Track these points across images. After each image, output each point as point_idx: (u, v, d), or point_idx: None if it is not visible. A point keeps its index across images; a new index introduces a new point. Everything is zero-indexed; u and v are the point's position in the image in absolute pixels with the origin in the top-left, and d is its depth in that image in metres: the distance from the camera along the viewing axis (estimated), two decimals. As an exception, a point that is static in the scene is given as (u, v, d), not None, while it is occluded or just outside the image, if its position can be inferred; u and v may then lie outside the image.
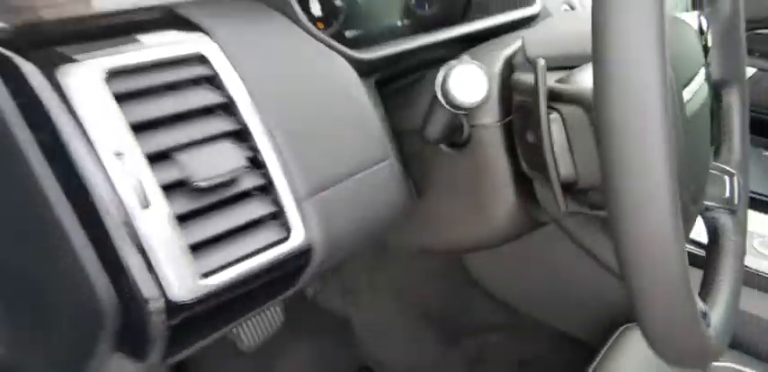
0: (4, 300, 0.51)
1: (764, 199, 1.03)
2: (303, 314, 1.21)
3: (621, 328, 0.84)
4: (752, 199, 1.03)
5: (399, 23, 0.70)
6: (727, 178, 0.61)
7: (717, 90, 0.64)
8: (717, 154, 0.65)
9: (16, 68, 0.32)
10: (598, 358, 0.80)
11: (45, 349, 0.48)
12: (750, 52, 1.78)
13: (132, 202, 0.33)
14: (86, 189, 0.32)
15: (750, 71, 1.77)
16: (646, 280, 0.37)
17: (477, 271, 1.16)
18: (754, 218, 0.98)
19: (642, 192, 0.32)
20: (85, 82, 0.33)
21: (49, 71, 0.32)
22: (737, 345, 0.84)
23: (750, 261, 0.87)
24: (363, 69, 0.49)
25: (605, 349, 0.82)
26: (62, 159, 0.33)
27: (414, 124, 0.54)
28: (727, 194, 0.60)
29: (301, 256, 0.41)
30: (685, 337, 0.42)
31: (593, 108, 0.33)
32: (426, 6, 0.73)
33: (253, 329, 1.06)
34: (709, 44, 0.61)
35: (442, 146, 0.53)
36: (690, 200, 0.47)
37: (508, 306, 1.13)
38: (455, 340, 1.19)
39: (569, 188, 0.43)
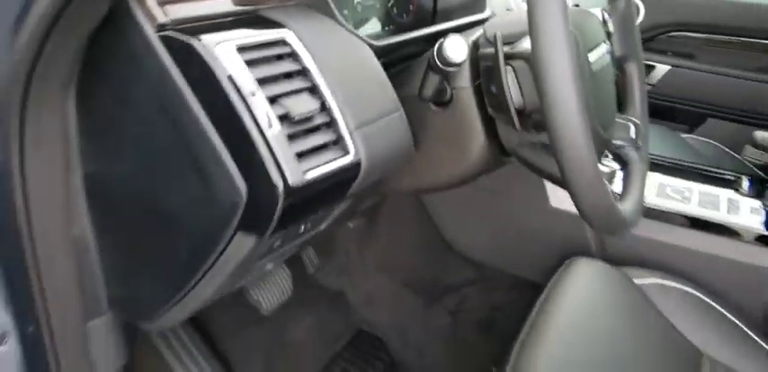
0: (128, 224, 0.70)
1: (680, 165, 1.28)
2: (306, 290, 1.41)
3: (566, 262, 1.06)
4: (670, 165, 1.28)
5: (386, 28, 0.93)
6: (632, 125, 0.85)
7: (620, 64, 0.88)
8: (625, 110, 0.89)
9: (187, 45, 0.54)
10: (546, 289, 1.01)
11: (170, 249, 0.68)
12: (664, 52, 2.08)
13: (264, 122, 0.54)
14: (235, 115, 0.53)
15: (665, 68, 2.07)
16: (574, 175, 0.60)
17: (451, 237, 1.38)
18: (669, 178, 1.23)
19: (561, 110, 0.55)
20: (229, 52, 0.54)
21: (207, 46, 0.54)
22: (659, 265, 1.08)
23: (663, 202, 1.12)
24: (375, 54, 0.72)
25: (552, 280, 1.03)
26: (215, 99, 0.54)
27: (410, 92, 0.76)
28: (633, 136, 0.84)
29: (354, 168, 0.62)
30: (605, 213, 0.65)
31: (532, 61, 0.56)
32: (404, 16, 0.96)
33: (270, 297, 1.26)
34: (611, 31, 0.86)
35: (431, 106, 0.76)
36: (601, 127, 0.71)
37: (479, 264, 1.36)
38: (436, 297, 1.41)
39: (521, 113, 0.66)
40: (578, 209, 0.64)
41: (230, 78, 0.53)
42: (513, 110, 0.65)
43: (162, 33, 0.55)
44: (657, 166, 1.26)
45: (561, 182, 0.65)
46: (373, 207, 1.43)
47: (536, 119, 0.67)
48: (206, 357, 1.22)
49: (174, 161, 0.60)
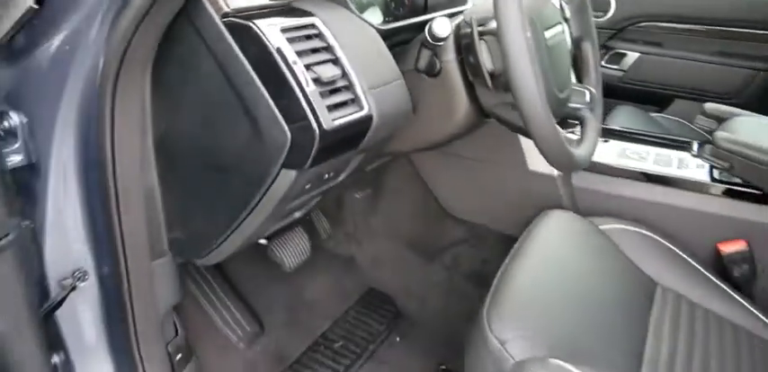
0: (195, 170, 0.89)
1: (641, 134, 1.48)
2: (320, 257, 1.61)
3: (541, 213, 1.26)
4: (632, 136, 1.48)
5: (386, 20, 1.13)
6: (587, 91, 1.05)
7: (577, 43, 1.09)
8: (582, 80, 1.09)
9: (248, 27, 0.73)
10: (522, 235, 1.19)
11: (224, 186, 0.87)
12: (634, 41, 2.29)
13: (303, 83, 0.74)
14: (283, 77, 0.73)
15: (635, 55, 2.28)
16: (532, 124, 0.80)
17: (446, 202, 1.58)
18: (631, 144, 1.44)
19: (519, 70, 0.75)
20: (276, 32, 0.74)
21: (262, 28, 0.74)
22: (621, 214, 1.28)
23: (623, 162, 1.32)
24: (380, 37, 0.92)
25: (528, 227, 1.22)
26: (267, 66, 0.73)
27: (407, 68, 0.96)
28: (588, 100, 1.04)
29: (367, 121, 0.82)
30: (559, 154, 0.85)
31: (498, 35, 0.76)
32: (401, 9, 1.16)
33: (291, 256, 1.46)
34: (568, 16, 1.06)
35: (425, 77, 0.97)
36: (557, 89, 0.91)
37: (470, 224, 1.56)
38: (435, 256, 1.61)
39: (492, 76, 0.87)
40: (540, 152, 0.85)
41: (278, 50, 0.73)
42: (486, 74, 0.86)
43: (225, 19, 0.75)
44: (623, 137, 1.46)
45: (526, 133, 0.85)
46: (377, 179, 1.63)
47: (504, 80, 0.87)
48: (237, 307, 1.42)
49: (232, 116, 0.79)
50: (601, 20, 2.29)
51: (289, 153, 0.77)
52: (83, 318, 0.87)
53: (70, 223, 0.82)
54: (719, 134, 1.20)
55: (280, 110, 0.75)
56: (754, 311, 1.12)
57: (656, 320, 1.05)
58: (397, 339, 1.48)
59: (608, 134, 1.46)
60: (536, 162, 1.36)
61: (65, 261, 0.80)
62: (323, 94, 0.77)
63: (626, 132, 1.48)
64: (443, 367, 1.38)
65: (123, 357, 0.93)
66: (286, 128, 0.75)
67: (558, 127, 0.84)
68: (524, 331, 0.90)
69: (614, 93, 2.22)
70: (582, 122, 1.03)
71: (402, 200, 1.65)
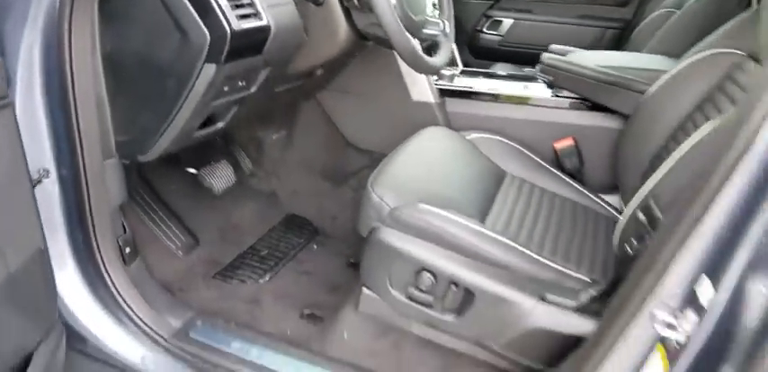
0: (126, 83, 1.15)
1: (503, 74, 1.83)
2: (244, 191, 1.88)
3: (420, 130, 1.56)
4: (496, 75, 1.82)
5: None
6: (441, 22, 1.37)
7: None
8: (440, 15, 1.42)
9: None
10: (403, 143, 1.50)
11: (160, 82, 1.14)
12: (509, 9, 2.67)
13: (224, 5, 1.02)
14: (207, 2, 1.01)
15: (510, 22, 2.66)
16: (390, 34, 1.11)
17: (349, 135, 1.88)
18: (492, 79, 1.78)
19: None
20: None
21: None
22: (482, 128, 1.61)
23: (483, 89, 1.66)
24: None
25: (409, 139, 1.52)
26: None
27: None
28: (442, 28, 1.37)
29: (267, 29, 1.11)
30: (418, 61, 1.16)
31: None
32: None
33: (219, 181, 1.72)
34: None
35: (312, 6, 1.26)
36: (411, 12, 1.23)
37: (370, 151, 1.86)
38: (343, 182, 1.90)
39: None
40: (400, 57, 1.16)
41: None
42: (354, -1, 1.18)
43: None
44: (487, 75, 1.81)
45: (391, 47, 1.16)
46: (290, 121, 1.91)
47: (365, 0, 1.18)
48: (175, 224, 1.67)
49: (165, 29, 1.06)
50: (481, -8, 2.67)
51: (209, 49, 1.05)
52: (48, 210, 1.07)
53: (35, 126, 1.03)
54: (545, 54, 1.55)
55: (201, 20, 1.03)
56: (581, 189, 1.47)
57: (502, 194, 1.38)
58: (314, 246, 1.77)
59: (477, 74, 1.80)
60: (416, 93, 1.68)
61: (30, 161, 0.98)
62: (232, 7, 1.05)
63: (489, 72, 1.83)
64: (351, 260, 1.68)
65: (83, 245, 1.14)
66: (206, 30, 1.03)
67: (410, 36, 1.15)
68: (398, 189, 1.21)
69: (494, 54, 2.59)
70: (437, 44, 1.35)
71: (313, 138, 1.94)
